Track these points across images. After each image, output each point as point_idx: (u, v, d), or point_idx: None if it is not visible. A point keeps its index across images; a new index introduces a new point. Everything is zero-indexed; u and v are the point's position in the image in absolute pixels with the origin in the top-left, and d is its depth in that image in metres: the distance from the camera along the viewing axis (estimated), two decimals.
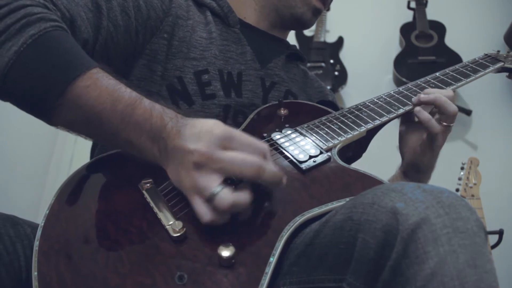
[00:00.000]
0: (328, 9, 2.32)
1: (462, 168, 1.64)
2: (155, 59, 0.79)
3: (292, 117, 0.81)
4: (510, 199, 1.87)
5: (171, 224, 0.54)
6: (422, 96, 0.79)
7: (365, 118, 0.78)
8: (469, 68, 0.89)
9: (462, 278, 0.41)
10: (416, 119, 0.81)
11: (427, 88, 0.84)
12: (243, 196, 0.52)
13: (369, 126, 0.77)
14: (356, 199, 0.52)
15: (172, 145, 0.53)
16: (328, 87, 2.05)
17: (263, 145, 0.55)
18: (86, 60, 0.57)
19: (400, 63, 2.15)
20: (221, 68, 0.84)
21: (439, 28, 2.23)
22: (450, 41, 2.17)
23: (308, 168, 0.65)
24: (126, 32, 0.74)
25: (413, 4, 2.31)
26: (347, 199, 0.57)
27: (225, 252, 0.50)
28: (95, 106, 0.54)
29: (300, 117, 0.80)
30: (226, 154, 0.52)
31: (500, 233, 1.37)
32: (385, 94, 0.85)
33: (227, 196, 0.51)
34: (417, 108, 0.79)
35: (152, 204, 0.58)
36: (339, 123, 0.77)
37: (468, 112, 2.04)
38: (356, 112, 0.80)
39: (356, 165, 0.72)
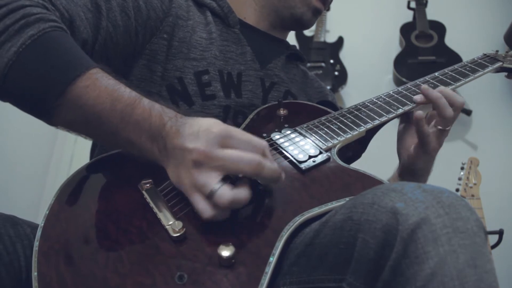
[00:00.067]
0: (328, 9, 2.32)
1: (462, 168, 1.64)
2: (155, 59, 0.79)
3: (291, 117, 0.81)
4: (510, 199, 1.87)
5: (171, 224, 0.54)
6: (429, 90, 0.78)
7: (365, 118, 0.78)
8: (468, 68, 0.89)
9: (462, 278, 0.41)
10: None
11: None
12: (243, 193, 0.53)
13: (369, 126, 0.77)
14: (356, 199, 0.52)
15: (172, 144, 0.53)
16: (328, 87, 2.05)
17: (261, 142, 0.56)
18: (85, 60, 0.57)
19: (400, 63, 2.15)
20: (221, 68, 0.84)
21: (439, 28, 2.23)
22: (450, 41, 2.17)
23: (307, 168, 0.65)
24: (125, 32, 0.74)
25: (413, 4, 2.31)
26: (347, 199, 0.57)
27: (225, 252, 0.50)
28: (95, 106, 0.55)
29: (300, 118, 0.80)
30: (224, 152, 0.52)
31: (500, 233, 1.37)
32: (385, 94, 0.85)
33: (226, 192, 0.51)
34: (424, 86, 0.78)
35: (152, 204, 0.58)
36: (338, 123, 0.77)
37: (468, 112, 2.04)
38: (355, 112, 0.80)
39: (356, 165, 0.72)
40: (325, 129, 0.75)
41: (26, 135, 1.87)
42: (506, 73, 0.94)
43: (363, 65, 2.27)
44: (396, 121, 0.85)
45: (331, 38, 2.38)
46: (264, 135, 0.74)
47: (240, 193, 0.53)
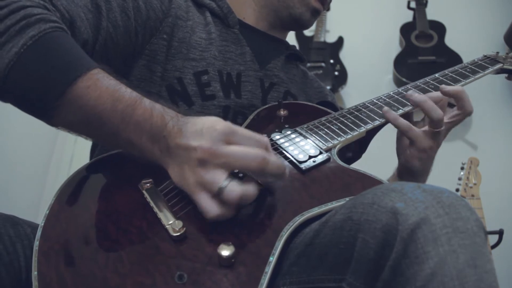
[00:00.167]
0: (328, 9, 2.32)
1: (462, 168, 1.64)
2: (154, 59, 0.79)
3: (291, 118, 0.81)
4: (510, 199, 1.87)
5: (171, 223, 0.54)
6: (412, 96, 0.78)
7: (365, 118, 0.78)
8: (468, 70, 0.89)
9: (462, 278, 0.41)
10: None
11: (426, 88, 0.84)
12: (251, 188, 0.53)
13: (369, 126, 0.77)
14: (356, 199, 0.52)
15: (174, 143, 0.54)
16: (328, 87, 2.05)
17: (263, 138, 0.56)
18: (86, 61, 0.57)
19: (400, 63, 2.15)
20: (221, 69, 0.84)
21: (439, 28, 2.23)
22: (450, 41, 2.17)
23: (307, 168, 0.65)
24: (125, 33, 0.74)
25: (413, 4, 2.31)
26: (347, 199, 0.57)
27: (225, 252, 0.50)
28: (96, 107, 0.55)
29: (300, 118, 0.81)
30: (229, 149, 0.52)
31: (500, 233, 1.37)
32: (384, 95, 0.85)
33: (236, 188, 0.51)
34: (385, 108, 0.78)
35: (152, 204, 0.58)
36: (338, 124, 0.77)
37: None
38: (355, 112, 0.80)
39: (356, 165, 0.72)
40: (325, 130, 0.75)
41: (26, 135, 1.87)
42: (506, 75, 0.94)
43: (363, 65, 2.27)
44: None
45: (331, 38, 2.38)
46: (265, 135, 0.74)
47: (248, 188, 0.53)
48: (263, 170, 0.53)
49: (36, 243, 0.53)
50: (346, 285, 0.49)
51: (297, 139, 0.72)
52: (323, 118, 0.79)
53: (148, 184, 0.60)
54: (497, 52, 0.96)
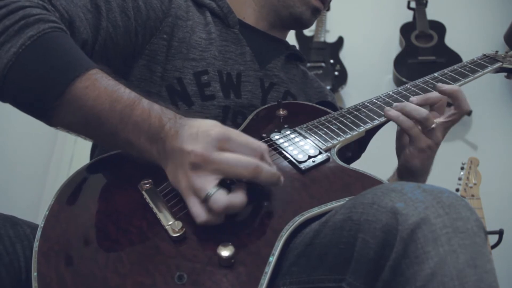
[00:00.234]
0: (328, 9, 2.32)
1: (462, 168, 1.64)
2: (154, 59, 0.79)
3: (291, 118, 0.81)
4: (510, 199, 1.87)
5: (171, 224, 0.54)
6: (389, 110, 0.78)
7: (364, 118, 0.78)
8: (467, 69, 0.89)
9: (462, 278, 0.41)
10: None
11: (425, 88, 0.84)
12: (238, 198, 0.52)
13: (368, 126, 0.77)
14: (356, 199, 0.52)
15: (170, 145, 0.53)
16: (328, 87, 2.05)
17: (260, 145, 0.56)
18: (85, 61, 0.57)
19: (400, 63, 2.15)
20: (221, 69, 0.84)
21: (439, 28, 2.23)
22: (450, 41, 2.17)
23: (307, 168, 0.65)
24: (125, 33, 0.74)
25: (413, 4, 2.31)
26: (347, 199, 0.57)
27: (225, 252, 0.50)
28: (94, 107, 0.55)
29: (299, 118, 0.81)
30: (222, 155, 0.52)
31: (500, 233, 1.37)
32: (384, 95, 0.85)
33: (221, 198, 0.51)
34: (387, 108, 0.78)
35: (151, 204, 0.58)
36: (338, 124, 0.77)
37: (468, 112, 2.04)
38: (355, 112, 0.80)
39: (356, 165, 0.72)
40: (325, 130, 0.75)
41: (26, 135, 1.87)
42: (505, 74, 0.94)
43: (363, 65, 2.27)
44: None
45: (331, 38, 2.38)
46: (264, 135, 0.74)
47: (235, 198, 0.52)
48: (255, 179, 0.53)
49: (36, 244, 0.53)
50: (346, 285, 0.49)
51: (297, 139, 0.72)
52: (323, 118, 0.79)
53: (147, 185, 0.60)
54: (497, 51, 0.96)
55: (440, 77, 0.88)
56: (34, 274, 0.50)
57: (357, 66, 2.25)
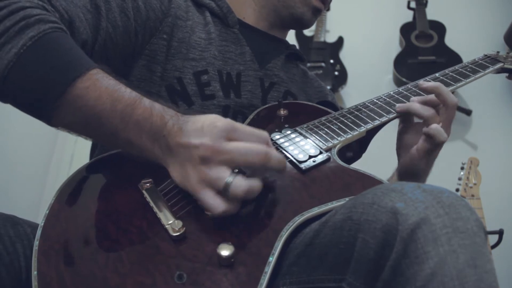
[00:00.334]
0: (328, 9, 2.32)
1: (462, 168, 1.64)
2: (154, 59, 0.79)
3: (291, 118, 0.81)
4: (510, 199, 1.87)
5: (171, 223, 0.54)
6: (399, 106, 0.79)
7: (365, 118, 0.78)
8: (468, 69, 0.89)
9: (462, 278, 0.41)
10: (416, 119, 0.81)
11: None
12: (256, 182, 0.54)
13: (369, 126, 0.77)
14: (356, 199, 0.52)
15: (175, 142, 0.54)
16: (328, 87, 2.05)
17: (263, 133, 0.57)
18: (85, 61, 0.57)
19: (400, 63, 2.15)
20: (220, 68, 0.84)
21: (439, 28, 2.23)
22: (450, 41, 2.17)
23: (307, 168, 0.65)
24: (125, 33, 0.74)
25: (413, 4, 2.31)
26: (347, 199, 0.57)
27: (225, 252, 0.50)
28: (95, 107, 0.55)
29: (300, 118, 0.80)
30: (232, 145, 0.53)
31: (500, 233, 1.37)
32: (385, 95, 0.85)
33: (242, 183, 0.52)
34: (398, 104, 0.79)
35: (151, 203, 0.58)
36: (338, 124, 0.77)
37: (468, 112, 2.04)
38: (355, 112, 0.80)
39: (356, 165, 0.72)
40: (325, 129, 0.75)
41: (26, 135, 1.87)
42: (506, 74, 0.94)
43: (363, 65, 2.27)
44: (396, 121, 0.85)
45: (331, 38, 2.38)
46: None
47: (254, 182, 0.54)
48: (265, 165, 0.54)
49: (36, 243, 0.53)
50: (346, 285, 0.49)
51: (297, 139, 0.72)
52: (323, 118, 0.79)
53: (148, 184, 0.60)
54: (498, 52, 0.96)
55: (441, 77, 0.87)
56: (34, 273, 0.50)
57: (357, 66, 2.25)
